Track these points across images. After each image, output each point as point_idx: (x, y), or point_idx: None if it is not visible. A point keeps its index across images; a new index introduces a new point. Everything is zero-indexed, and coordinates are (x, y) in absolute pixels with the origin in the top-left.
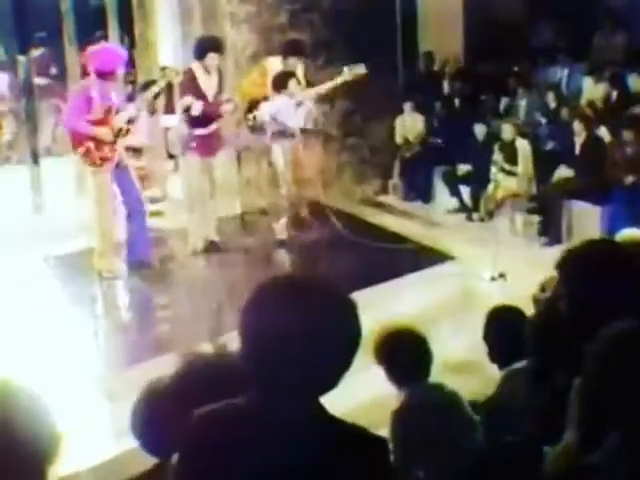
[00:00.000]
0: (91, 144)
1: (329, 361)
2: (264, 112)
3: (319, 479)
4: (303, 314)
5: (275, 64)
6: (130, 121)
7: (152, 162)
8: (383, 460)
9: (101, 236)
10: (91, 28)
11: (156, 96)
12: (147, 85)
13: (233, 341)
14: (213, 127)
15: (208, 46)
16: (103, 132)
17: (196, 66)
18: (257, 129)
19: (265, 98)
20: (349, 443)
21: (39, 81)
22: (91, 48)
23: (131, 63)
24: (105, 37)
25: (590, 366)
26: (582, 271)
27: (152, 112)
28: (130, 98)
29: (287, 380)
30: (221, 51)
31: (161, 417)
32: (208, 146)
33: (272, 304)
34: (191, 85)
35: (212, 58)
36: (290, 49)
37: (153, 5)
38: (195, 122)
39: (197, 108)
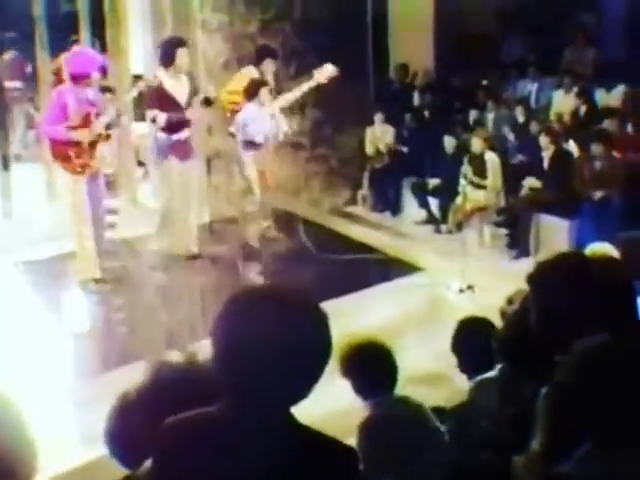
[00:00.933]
0: (71, 152)
1: (300, 371)
2: (235, 122)
3: None
4: (275, 324)
5: (251, 73)
6: (109, 127)
7: (120, 169)
8: (352, 470)
9: (80, 244)
10: (63, 33)
11: (133, 101)
12: (106, 90)
13: (202, 350)
14: (187, 133)
15: (174, 44)
16: (82, 134)
17: (162, 73)
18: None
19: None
20: (319, 452)
21: (10, 84)
22: (66, 53)
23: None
24: (77, 42)
25: (562, 378)
26: (553, 284)
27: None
28: (106, 90)
29: (259, 390)
30: (187, 46)
31: (131, 426)
32: (184, 150)
33: (244, 314)
34: (158, 94)
35: (182, 55)
36: (262, 53)
37: (125, 11)
38: (169, 128)
39: (162, 119)
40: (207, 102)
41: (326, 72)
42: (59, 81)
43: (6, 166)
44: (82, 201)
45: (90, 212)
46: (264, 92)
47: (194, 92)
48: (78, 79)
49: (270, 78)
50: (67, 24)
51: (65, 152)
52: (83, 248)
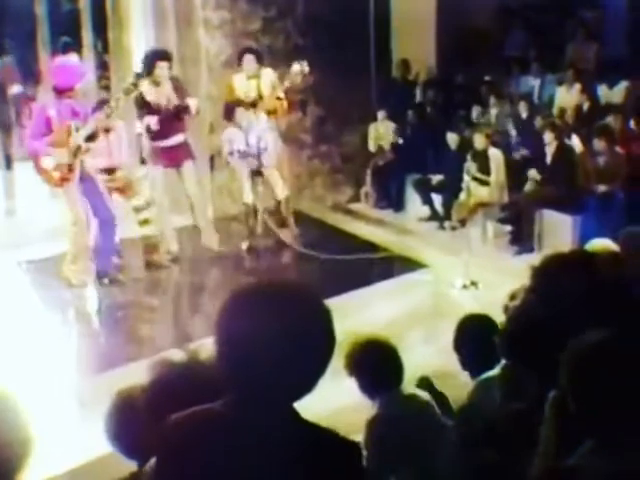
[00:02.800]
0: (50, 165)
1: (303, 367)
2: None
3: None
4: (278, 320)
5: (238, 80)
6: (90, 138)
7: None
8: (356, 465)
9: (74, 243)
10: (65, 33)
11: (108, 115)
12: (102, 103)
13: (204, 348)
14: (176, 138)
15: (154, 56)
16: (60, 153)
17: (144, 83)
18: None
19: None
20: (323, 447)
21: (11, 87)
22: (52, 62)
23: (105, 68)
24: (74, 43)
25: (561, 377)
26: (556, 280)
27: (107, 130)
28: (103, 103)
29: (261, 385)
30: (169, 59)
31: (136, 423)
32: (172, 157)
33: (247, 310)
34: (141, 104)
35: (161, 67)
36: (240, 52)
37: (127, 10)
38: (157, 135)
39: (154, 124)
40: (185, 110)
41: (295, 71)
42: None
43: (9, 165)
44: (76, 207)
45: (87, 214)
46: (239, 113)
47: (182, 95)
48: (61, 92)
49: (261, 74)
50: (69, 24)
51: (44, 166)
52: (76, 252)
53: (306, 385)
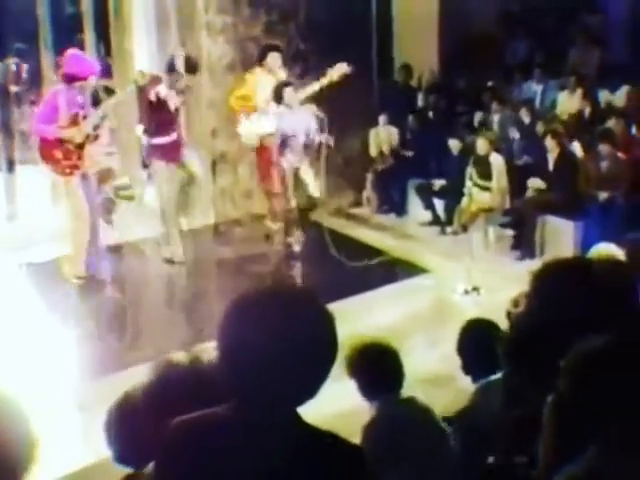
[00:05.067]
0: (59, 153)
1: (307, 371)
2: (261, 125)
3: None
4: (280, 325)
5: (260, 74)
6: (96, 127)
7: (125, 171)
8: (360, 470)
9: (74, 242)
10: (67, 35)
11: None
12: (109, 91)
13: (207, 351)
14: (174, 135)
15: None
16: (71, 132)
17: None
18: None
19: (255, 110)
20: (326, 452)
21: (14, 89)
22: (67, 52)
23: (108, 72)
24: (83, 42)
25: (563, 381)
26: (556, 288)
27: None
28: (109, 91)
29: (265, 390)
30: (195, 72)
31: (136, 427)
32: (171, 153)
33: (250, 314)
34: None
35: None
36: (265, 48)
37: (129, 14)
38: (156, 130)
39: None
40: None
41: (340, 70)
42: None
43: (11, 168)
44: (79, 201)
45: (87, 212)
46: (287, 92)
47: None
48: (73, 80)
49: (279, 72)
50: (72, 26)
51: (53, 153)
52: (77, 246)
53: (309, 390)
